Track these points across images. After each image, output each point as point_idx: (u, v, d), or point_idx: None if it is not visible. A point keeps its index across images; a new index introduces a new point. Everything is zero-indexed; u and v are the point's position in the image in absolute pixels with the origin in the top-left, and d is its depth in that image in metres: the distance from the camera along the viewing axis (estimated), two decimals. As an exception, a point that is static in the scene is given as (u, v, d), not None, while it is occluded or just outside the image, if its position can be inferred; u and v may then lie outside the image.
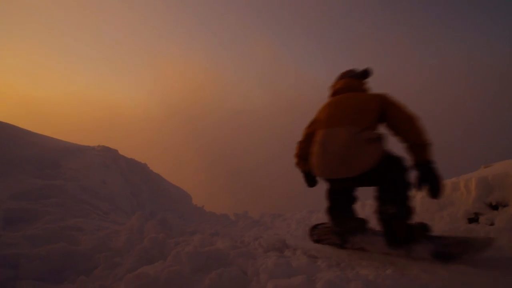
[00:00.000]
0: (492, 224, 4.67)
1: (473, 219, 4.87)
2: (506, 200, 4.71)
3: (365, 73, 3.53)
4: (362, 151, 2.87)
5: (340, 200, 3.70)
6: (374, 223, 3.93)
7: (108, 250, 3.34)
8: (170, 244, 3.45)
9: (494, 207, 4.79)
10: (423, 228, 3.20)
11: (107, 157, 9.02)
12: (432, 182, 3.00)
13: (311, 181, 3.88)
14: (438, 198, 3.17)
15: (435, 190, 3.03)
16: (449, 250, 2.82)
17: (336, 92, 3.43)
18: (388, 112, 2.98)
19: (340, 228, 3.74)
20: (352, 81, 3.40)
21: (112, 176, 7.88)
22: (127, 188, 8.50)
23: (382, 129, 3.15)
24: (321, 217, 7.07)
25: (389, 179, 3.04)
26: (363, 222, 3.79)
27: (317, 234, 4.36)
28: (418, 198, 5.64)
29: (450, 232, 4.80)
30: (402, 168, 3.08)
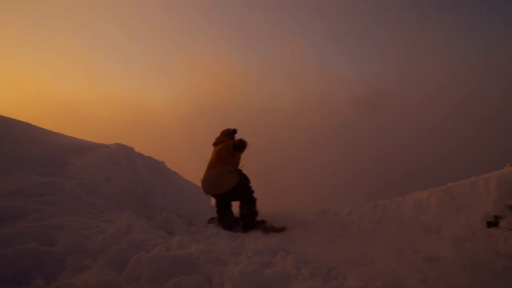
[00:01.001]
0: (513, 229, 4.18)
1: (493, 223, 4.39)
2: (530, 202, 4.21)
3: (233, 132, 6.35)
4: (225, 179, 5.56)
5: (221, 206, 6.11)
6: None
7: (83, 251, 3.17)
8: (147, 246, 3.23)
9: (517, 210, 4.29)
10: (262, 222, 5.70)
11: (119, 154, 9.01)
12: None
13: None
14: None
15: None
16: (267, 230, 5.43)
17: (216, 143, 6.29)
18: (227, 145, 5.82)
19: (221, 222, 5.99)
20: (223, 138, 6.26)
21: (121, 174, 7.83)
22: (138, 186, 8.44)
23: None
24: (332, 217, 6.69)
25: (242, 195, 5.74)
26: (234, 218, 6.00)
27: (213, 223, 6.27)
28: (434, 199, 5.19)
29: (466, 236, 4.34)
30: (248, 189, 5.83)
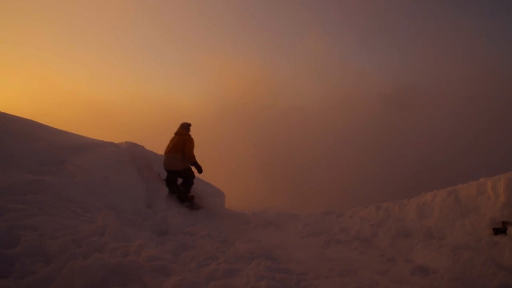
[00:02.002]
0: (523, 237, 3.72)
1: (500, 229, 3.93)
2: (544, 207, 3.73)
3: (189, 125, 7.94)
4: (178, 162, 7.66)
5: (170, 180, 7.94)
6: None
7: (39, 255, 3.02)
8: (106, 250, 3.04)
9: (528, 216, 3.81)
10: (191, 198, 7.98)
11: (124, 153, 8.96)
12: (198, 168, 7.83)
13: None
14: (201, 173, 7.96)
15: (199, 170, 7.84)
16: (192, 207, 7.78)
17: (176, 134, 7.87)
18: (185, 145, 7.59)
19: (169, 190, 8.00)
20: (181, 130, 7.87)
21: (122, 173, 7.77)
22: (140, 185, 8.37)
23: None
24: (334, 220, 6.34)
25: (184, 177, 7.86)
26: (179, 190, 7.92)
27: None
28: (438, 202, 4.76)
29: (468, 244, 3.91)
30: (190, 176, 7.93)
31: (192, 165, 7.69)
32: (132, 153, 10.66)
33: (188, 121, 7.99)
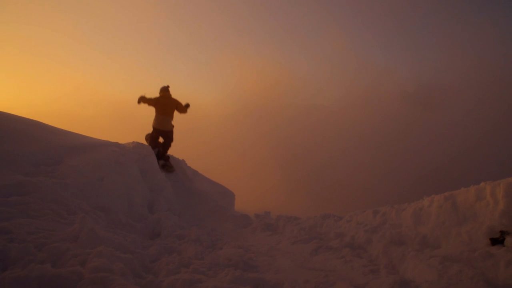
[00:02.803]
0: (521, 249, 3.39)
1: (497, 240, 3.60)
2: (547, 216, 3.39)
3: (168, 87, 8.95)
4: (170, 124, 9.08)
5: (155, 138, 9.01)
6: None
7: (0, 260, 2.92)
8: (66, 258, 2.92)
9: (530, 225, 3.48)
10: (167, 157, 9.47)
11: (126, 154, 8.93)
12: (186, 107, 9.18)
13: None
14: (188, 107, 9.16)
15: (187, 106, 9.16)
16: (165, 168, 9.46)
17: (164, 96, 8.85)
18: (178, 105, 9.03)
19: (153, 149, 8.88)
20: (167, 93, 8.94)
21: (120, 174, 7.72)
22: (141, 186, 8.32)
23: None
24: (332, 224, 6.07)
25: (170, 137, 9.30)
26: (158, 149, 9.06)
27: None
28: (434, 208, 4.45)
29: (460, 255, 3.62)
30: (171, 139, 9.40)
31: (187, 107, 9.13)
32: (138, 154, 10.69)
33: (166, 84, 9.22)
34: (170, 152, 10.55)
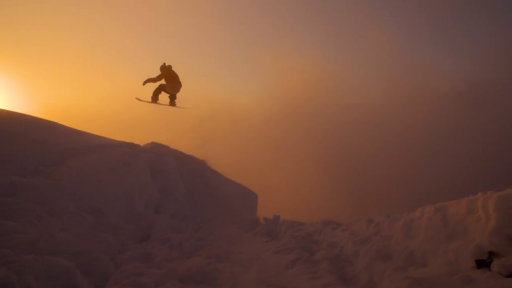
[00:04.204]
0: (509, 276, 2.87)
1: (483, 262, 3.09)
2: (544, 236, 2.86)
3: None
4: (179, 86, 9.27)
5: (158, 92, 9.18)
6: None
7: None
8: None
9: (523, 246, 2.94)
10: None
11: (135, 155, 8.97)
12: None
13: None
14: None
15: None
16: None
17: (170, 69, 9.12)
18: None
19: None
20: (171, 69, 9.25)
21: (128, 175, 7.72)
22: (147, 187, 8.29)
23: None
24: (329, 232, 5.67)
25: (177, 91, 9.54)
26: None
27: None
28: (425, 221, 3.97)
29: (437, 278, 3.16)
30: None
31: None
32: (154, 154, 10.78)
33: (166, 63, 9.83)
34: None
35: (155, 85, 9.29)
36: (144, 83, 9.34)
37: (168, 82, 9.79)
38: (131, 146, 9.57)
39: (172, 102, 10.10)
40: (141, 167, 8.66)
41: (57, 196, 5.57)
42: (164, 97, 9.71)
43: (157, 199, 8.66)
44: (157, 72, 9.04)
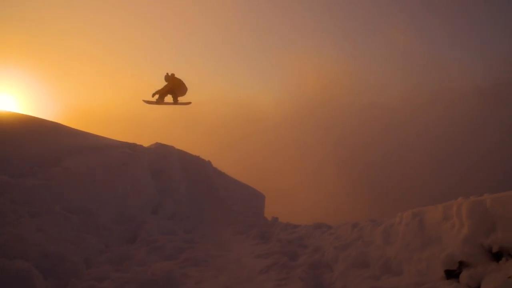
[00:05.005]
0: (477, 288, 2.67)
1: (453, 272, 2.89)
2: (516, 246, 2.64)
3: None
4: (184, 90, 10.44)
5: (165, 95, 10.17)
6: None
7: None
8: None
9: (495, 256, 2.74)
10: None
11: (134, 155, 9.01)
12: None
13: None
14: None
15: None
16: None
17: (176, 78, 10.23)
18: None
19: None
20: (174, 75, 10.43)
21: (125, 175, 7.75)
22: (145, 187, 8.32)
23: None
24: (318, 235, 5.50)
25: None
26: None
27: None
28: (402, 227, 3.78)
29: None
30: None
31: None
32: (157, 154, 10.82)
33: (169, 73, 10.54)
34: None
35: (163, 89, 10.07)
36: (153, 95, 10.19)
37: (175, 88, 10.55)
38: (131, 147, 9.59)
39: (175, 100, 10.76)
40: (140, 168, 8.67)
41: (44, 197, 5.61)
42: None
43: (156, 200, 8.65)
44: (162, 82, 10.00)
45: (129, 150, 9.24)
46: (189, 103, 10.83)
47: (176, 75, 10.75)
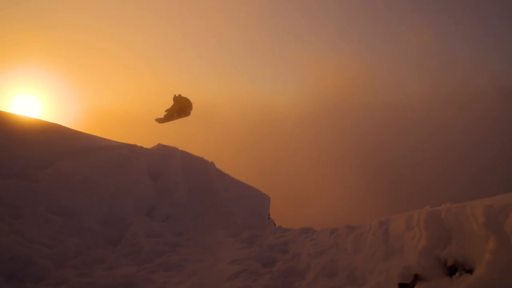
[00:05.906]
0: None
1: (407, 286, 2.76)
2: (470, 260, 2.50)
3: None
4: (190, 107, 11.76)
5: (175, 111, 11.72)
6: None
7: None
8: None
9: (450, 269, 2.60)
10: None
11: (131, 157, 9.06)
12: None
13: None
14: None
15: None
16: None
17: (183, 99, 11.66)
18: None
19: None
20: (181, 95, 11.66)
21: (120, 176, 7.79)
22: (140, 190, 8.33)
23: None
24: (301, 240, 5.37)
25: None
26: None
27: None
28: (370, 236, 3.65)
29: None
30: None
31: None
32: (158, 155, 10.87)
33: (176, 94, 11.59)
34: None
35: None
36: (165, 116, 11.63)
37: (184, 107, 11.80)
38: (130, 148, 9.65)
39: (179, 115, 12.15)
40: (137, 169, 8.71)
41: (29, 198, 5.70)
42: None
43: (152, 201, 8.66)
44: (170, 100, 11.59)
45: (127, 152, 9.31)
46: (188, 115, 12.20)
47: (182, 94, 11.95)
